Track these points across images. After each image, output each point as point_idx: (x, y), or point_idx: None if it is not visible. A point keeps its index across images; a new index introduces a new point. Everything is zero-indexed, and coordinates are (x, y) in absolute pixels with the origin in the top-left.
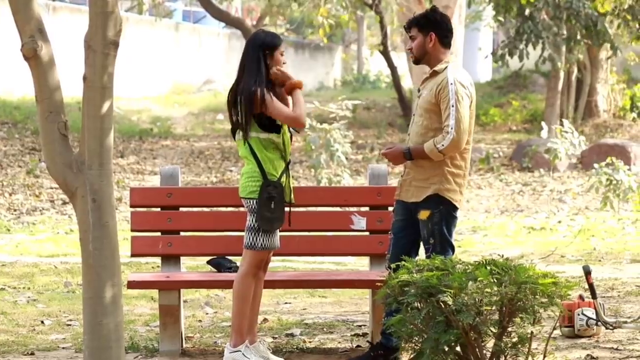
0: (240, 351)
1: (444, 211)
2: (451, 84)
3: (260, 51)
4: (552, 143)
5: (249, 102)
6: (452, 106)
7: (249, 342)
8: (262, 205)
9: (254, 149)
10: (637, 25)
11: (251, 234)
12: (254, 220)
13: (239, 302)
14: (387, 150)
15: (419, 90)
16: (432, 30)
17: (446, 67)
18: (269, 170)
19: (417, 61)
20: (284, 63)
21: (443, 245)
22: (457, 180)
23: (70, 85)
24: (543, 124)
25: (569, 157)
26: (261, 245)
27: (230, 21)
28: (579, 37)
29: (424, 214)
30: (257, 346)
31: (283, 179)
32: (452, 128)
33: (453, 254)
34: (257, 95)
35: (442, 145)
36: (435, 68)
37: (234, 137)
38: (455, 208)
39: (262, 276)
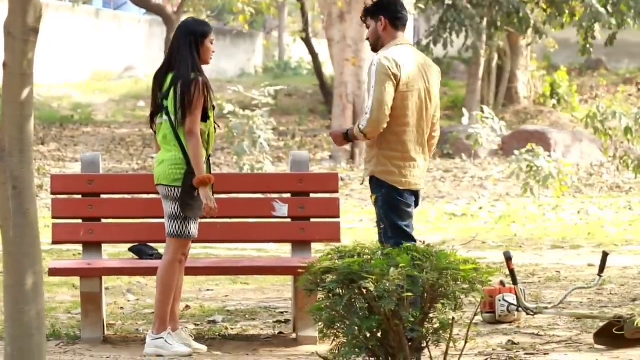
0: (162, 338)
1: (386, 195)
2: (373, 65)
3: (191, 39)
4: (473, 129)
5: (187, 87)
6: (372, 87)
7: (172, 329)
8: (186, 192)
9: (180, 136)
10: (555, 12)
11: (176, 222)
12: (176, 208)
13: (163, 290)
14: (332, 130)
15: None
16: (381, 14)
17: (387, 50)
18: None
19: (374, 48)
20: (213, 52)
21: (394, 231)
22: (394, 162)
23: None
24: (464, 110)
25: (490, 144)
26: (190, 232)
27: (151, 8)
28: (499, 24)
29: (372, 198)
30: (179, 333)
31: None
32: (369, 108)
33: (409, 240)
34: (198, 82)
35: (362, 125)
36: (380, 50)
37: (152, 122)
38: (399, 191)
39: (184, 263)
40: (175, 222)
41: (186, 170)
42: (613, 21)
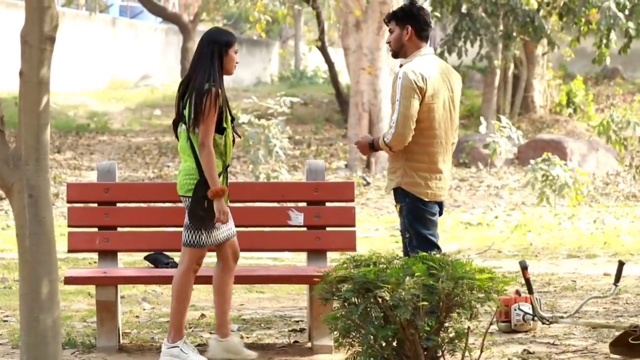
0: (178, 347)
1: (410, 204)
2: (399, 78)
3: (214, 48)
4: (491, 138)
5: (199, 98)
6: (398, 101)
7: (222, 336)
8: (196, 202)
9: (194, 145)
10: (572, 23)
11: (190, 231)
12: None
13: (178, 299)
14: (359, 140)
15: None
16: (408, 23)
17: (410, 62)
18: None
19: (395, 54)
20: (237, 62)
21: (419, 240)
22: (420, 174)
23: (7, 81)
24: (482, 119)
25: (506, 153)
26: (203, 242)
27: (167, 16)
28: (515, 33)
29: (396, 208)
30: (232, 339)
31: (220, 179)
32: (394, 122)
33: (435, 249)
34: (211, 93)
35: (387, 138)
36: (402, 62)
37: (175, 131)
38: (424, 201)
39: (233, 268)
40: (189, 231)
41: (198, 180)
42: (631, 24)
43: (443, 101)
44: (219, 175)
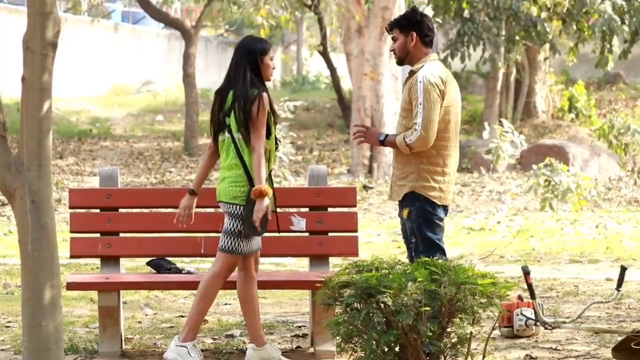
0: (186, 347)
1: (421, 208)
2: (420, 82)
3: (250, 57)
4: (494, 143)
5: (249, 105)
6: (420, 104)
7: (258, 345)
8: (250, 210)
9: (242, 153)
10: (574, 27)
11: (232, 238)
12: (238, 226)
13: (202, 300)
14: (368, 127)
15: (403, 91)
16: (412, 30)
17: (422, 67)
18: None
19: (400, 62)
20: (273, 68)
21: (426, 245)
22: (435, 177)
23: (9, 87)
24: (486, 124)
25: (509, 158)
26: (242, 250)
27: (170, 22)
28: (517, 38)
29: (404, 212)
30: (269, 348)
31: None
32: (419, 126)
33: (442, 254)
34: (262, 98)
35: (410, 140)
36: (413, 68)
37: (215, 139)
38: (434, 205)
39: (256, 276)
40: (229, 238)
41: (249, 188)
42: (626, 28)
43: (456, 105)
44: (265, 181)
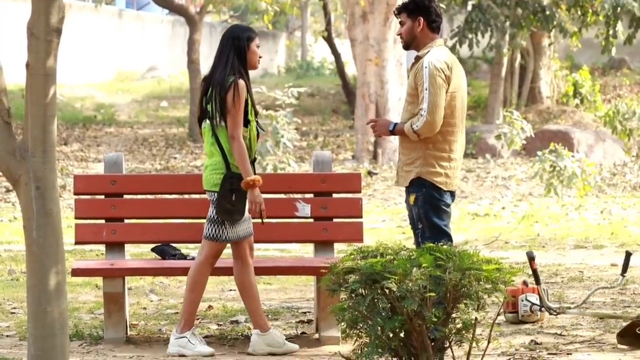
0: (185, 337)
1: (427, 194)
2: (425, 67)
3: (235, 44)
4: (503, 129)
5: (224, 92)
6: (426, 89)
7: (262, 331)
8: (223, 196)
9: (220, 140)
10: (578, 12)
11: (215, 225)
12: (214, 212)
13: (192, 290)
14: (377, 120)
15: (408, 77)
16: (420, 15)
17: (428, 52)
18: (233, 162)
19: (406, 46)
20: (260, 56)
21: (432, 231)
22: (441, 163)
23: (13, 73)
24: (496, 110)
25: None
26: (226, 237)
27: (174, 8)
28: (523, 23)
29: (411, 198)
30: (273, 332)
31: None
32: (425, 111)
33: (448, 240)
34: (237, 85)
35: (417, 126)
36: (419, 53)
37: (200, 126)
38: (440, 191)
39: (251, 263)
40: (213, 225)
41: (225, 174)
42: (635, 4)
43: (462, 90)
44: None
